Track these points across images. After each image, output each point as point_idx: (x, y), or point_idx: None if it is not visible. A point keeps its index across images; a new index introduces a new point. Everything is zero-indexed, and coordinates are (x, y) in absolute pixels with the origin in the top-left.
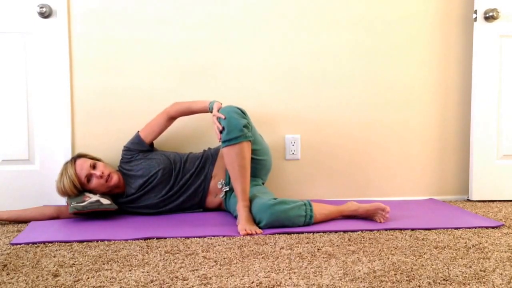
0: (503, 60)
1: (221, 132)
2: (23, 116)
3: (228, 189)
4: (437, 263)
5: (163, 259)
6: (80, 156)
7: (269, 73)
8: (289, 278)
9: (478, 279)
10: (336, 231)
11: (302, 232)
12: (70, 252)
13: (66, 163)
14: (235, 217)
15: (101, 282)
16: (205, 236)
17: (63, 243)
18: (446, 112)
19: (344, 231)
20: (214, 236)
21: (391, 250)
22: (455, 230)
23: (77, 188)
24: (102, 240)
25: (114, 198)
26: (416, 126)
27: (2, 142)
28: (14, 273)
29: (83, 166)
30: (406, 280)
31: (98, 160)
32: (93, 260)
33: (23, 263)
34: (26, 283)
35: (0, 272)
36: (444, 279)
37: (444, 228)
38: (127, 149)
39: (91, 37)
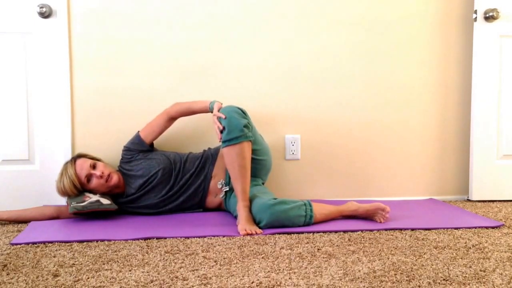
0: (503, 60)
1: (221, 132)
2: (23, 116)
3: (228, 189)
4: (437, 263)
5: (163, 259)
6: (80, 156)
7: (269, 73)
8: (289, 278)
9: (478, 279)
10: (336, 231)
11: (302, 232)
12: (70, 252)
13: (66, 163)
14: (235, 217)
15: (101, 282)
16: (205, 236)
17: (63, 243)
18: (446, 112)
19: (344, 231)
20: (214, 236)
21: (391, 250)
22: (455, 230)
23: (77, 188)
24: (102, 240)
25: (114, 198)
26: (416, 126)
27: (2, 142)
28: (14, 273)
29: (83, 166)
30: (406, 280)
31: (98, 160)
32: (93, 260)
33: (23, 263)
34: (26, 283)
35: (0, 272)
36: (444, 279)
37: (444, 228)
38: (127, 149)
39: (91, 37)
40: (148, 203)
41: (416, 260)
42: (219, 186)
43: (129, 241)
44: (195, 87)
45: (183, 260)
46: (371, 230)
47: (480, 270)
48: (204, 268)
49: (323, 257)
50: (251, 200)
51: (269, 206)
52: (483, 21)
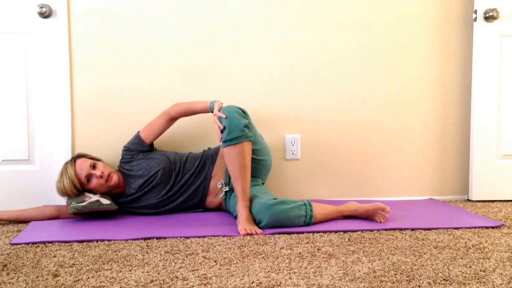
0: (503, 60)
1: (222, 131)
2: (23, 116)
3: (228, 189)
4: (437, 263)
5: (163, 259)
6: (80, 156)
7: (269, 73)
8: (289, 278)
9: (478, 279)
10: (336, 231)
11: (302, 232)
12: (70, 252)
13: (66, 163)
14: (235, 217)
15: (101, 282)
16: (205, 236)
17: (63, 243)
18: (446, 112)
19: (344, 231)
20: (214, 236)
21: (391, 250)
22: (455, 230)
23: (77, 188)
24: (102, 240)
25: (114, 198)
26: (416, 126)
27: (2, 142)
28: (14, 273)
29: (83, 166)
30: (406, 280)
31: (98, 160)
32: (93, 260)
33: (23, 263)
34: (26, 283)
35: (0, 272)
36: (444, 279)
37: (444, 228)
38: (127, 149)
39: (91, 37)
40: (148, 203)
41: (416, 260)
42: (219, 186)
43: (129, 241)
44: (195, 87)
45: (183, 260)
46: (371, 230)
47: (480, 270)
48: (204, 268)
49: (323, 257)
50: (251, 200)
51: (269, 206)
52: (483, 21)
